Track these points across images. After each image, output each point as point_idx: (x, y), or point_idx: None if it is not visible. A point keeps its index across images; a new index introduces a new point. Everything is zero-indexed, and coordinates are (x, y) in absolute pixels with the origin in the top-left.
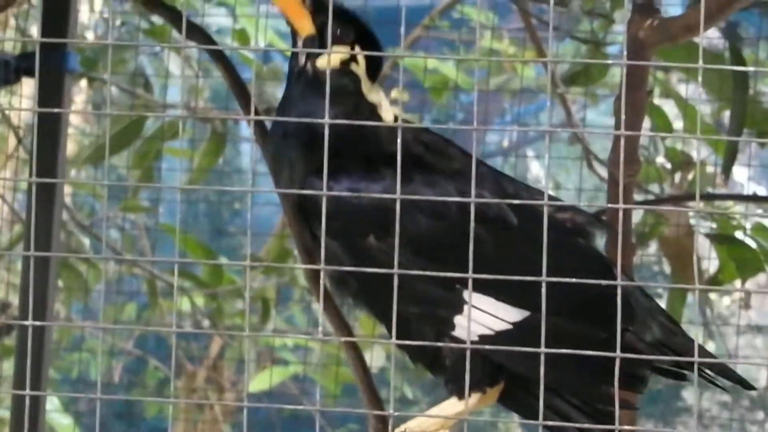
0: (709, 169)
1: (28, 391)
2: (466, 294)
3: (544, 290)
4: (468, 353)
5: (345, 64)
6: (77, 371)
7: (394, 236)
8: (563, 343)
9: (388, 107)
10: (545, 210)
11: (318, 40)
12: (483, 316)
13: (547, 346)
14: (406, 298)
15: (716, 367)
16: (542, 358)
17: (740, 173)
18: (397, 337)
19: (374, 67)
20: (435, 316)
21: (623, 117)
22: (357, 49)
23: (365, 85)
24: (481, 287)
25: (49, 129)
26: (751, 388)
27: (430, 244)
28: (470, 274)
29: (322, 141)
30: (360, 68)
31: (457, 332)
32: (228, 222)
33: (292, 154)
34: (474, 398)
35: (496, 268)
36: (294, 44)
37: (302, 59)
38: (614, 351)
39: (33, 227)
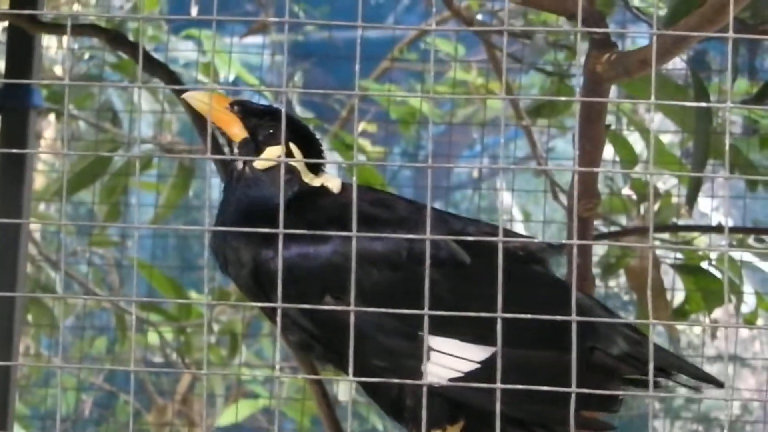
0: (674, 199)
1: None
2: (430, 341)
3: (499, 326)
4: (425, 389)
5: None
6: (46, 406)
7: (350, 293)
8: (531, 373)
9: (334, 180)
10: (500, 246)
11: (252, 143)
12: (449, 360)
13: (515, 378)
14: (370, 353)
15: (685, 368)
16: (498, 393)
17: (705, 204)
18: (367, 390)
19: (315, 155)
20: (402, 367)
21: (576, 152)
22: (292, 146)
23: (305, 175)
24: (443, 330)
25: (14, 165)
26: (720, 385)
27: (386, 295)
28: (426, 311)
29: (265, 225)
30: (297, 161)
31: (429, 380)
32: (198, 255)
33: (236, 244)
34: None
35: (454, 309)
36: (231, 151)
37: (239, 163)
38: (581, 372)
39: None
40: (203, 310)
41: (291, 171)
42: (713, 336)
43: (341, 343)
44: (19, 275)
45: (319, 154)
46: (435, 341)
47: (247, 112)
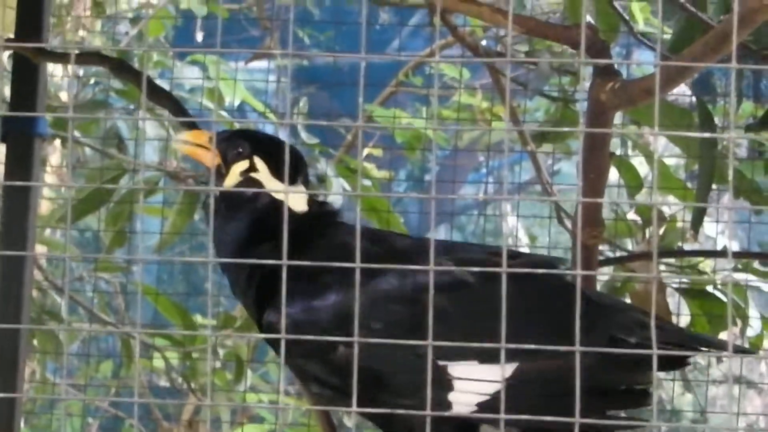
0: (680, 224)
1: None
2: (450, 369)
3: (503, 356)
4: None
5: (246, 174)
6: (52, 430)
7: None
8: (560, 379)
9: (300, 197)
10: (503, 274)
11: (223, 166)
12: (473, 385)
13: (541, 389)
14: (393, 393)
15: (707, 342)
16: (503, 416)
17: (711, 228)
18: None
19: (282, 165)
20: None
21: (579, 183)
22: (256, 159)
23: (270, 185)
24: (461, 356)
25: (19, 193)
26: (748, 351)
27: (398, 332)
28: (429, 342)
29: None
30: (262, 173)
31: (455, 410)
32: (204, 279)
33: (239, 277)
34: None
35: (468, 332)
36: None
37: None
38: (605, 365)
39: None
40: (209, 335)
41: (256, 184)
42: (719, 360)
43: (364, 389)
44: (24, 302)
45: (288, 163)
46: (455, 369)
47: (219, 139)
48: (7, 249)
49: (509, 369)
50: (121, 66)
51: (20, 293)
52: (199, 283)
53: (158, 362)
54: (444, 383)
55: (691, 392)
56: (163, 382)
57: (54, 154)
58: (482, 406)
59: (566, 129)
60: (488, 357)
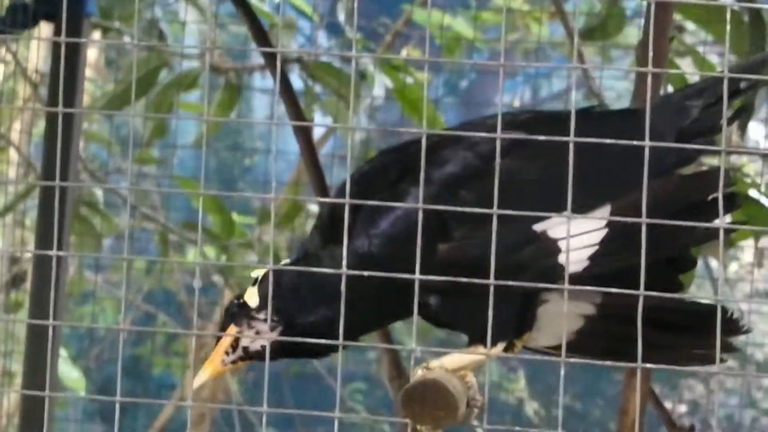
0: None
1: (51, 321)
2: (550, 232)
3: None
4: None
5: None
6: (87, 324)
7: (459, 229)
8: (652, 206)
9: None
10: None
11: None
12: (580, 240)
13: (638, 227)
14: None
15: None
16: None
17: (757, 130)
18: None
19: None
20: (539, 269)
21: (650, 54)
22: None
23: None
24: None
25: (66, 75)
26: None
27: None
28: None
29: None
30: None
31: (571, 269)
32: (239, 178)
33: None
34: (499, 348)
35: (550, 189)
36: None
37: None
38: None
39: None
40: (246, 231)
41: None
42: (760, 265)
43: (470, 286)
44: (69, 190)
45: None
46: (554, 231)
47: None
48: (53, 133)
49: (605, 212)
50: None
51: (66, 179)
52: (233, 182)
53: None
54: (550, 249)
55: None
56: (197, 281)
57: (92, 48)
58: (594, 258)
59: None
60: (579, 208)
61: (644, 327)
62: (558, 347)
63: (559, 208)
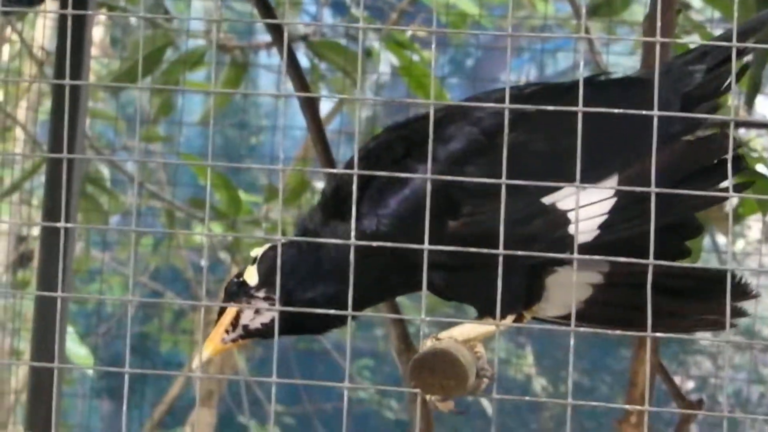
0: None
1: (60, 293)
2: (559, 204)
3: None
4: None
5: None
6: (94, 302)
7: (467, 206)
8: (661, 174)
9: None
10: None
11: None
12: (589, 210)
13: (647, 195)
14: (512, 259)
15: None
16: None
17: (764, 105)
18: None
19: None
20: (549, 241)
21: (658, 22)
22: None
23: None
24: (560, 186)
25: (72, 50)
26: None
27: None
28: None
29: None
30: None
31: (581, 239)
32: (245, 156)
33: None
34: (509, 320)
35: (556, 161)
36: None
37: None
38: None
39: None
40: (252, 208)
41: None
42: (767, 240)
43: (480, 260)
44: (76, 166)
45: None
46: (563, 203)
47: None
48: (59, 109)
49: (612, 182)
50: None
51: (72, 153)
52: (239, 160)
53: (200, 238)
54: (561, 221)
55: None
56: (204, 259)
57: (97, 27)
58: (603, 227)
59: None
60: (588, 179)
61: (653, 295)
62: (567, 317)
63: (568, 179)
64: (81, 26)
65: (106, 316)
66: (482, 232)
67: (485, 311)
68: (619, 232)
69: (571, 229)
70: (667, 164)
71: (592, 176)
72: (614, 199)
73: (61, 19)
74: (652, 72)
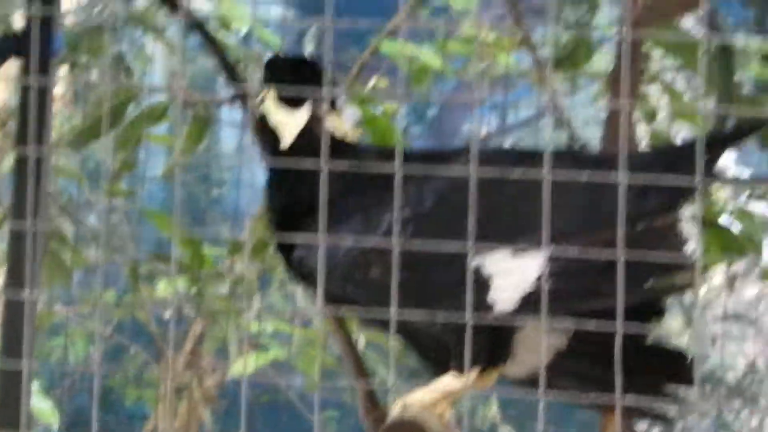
0: None
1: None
2: (483, 268)
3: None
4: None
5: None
6: (57, 357)
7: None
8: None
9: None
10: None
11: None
12: (511, 278)
13: (587, 264)
14: (430, 302)
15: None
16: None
17: (726, 156)
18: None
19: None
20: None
21: (622, 87)
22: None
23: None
24: (492, 249)
25: (35, 112)
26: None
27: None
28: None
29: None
30: (269, 103)
31: (499, 308)
32: (207, 209)
33: None
34: (472, 375)
35: (496, 224)
36: None
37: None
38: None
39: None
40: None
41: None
42: (731, 289)
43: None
44: (41, 222)
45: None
46: (489, 267)
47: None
48: (22, 171)
49: (545, 254)
50: None
51: (37, 211)
52: (201, 213)
53: (163, 292)
54: (481, 284)
55: (692, 327)
56: (168, 314)
57: (59, 81)
58: (524, 300)
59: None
60: (521, 245)
61: (608, 370)
62: (529, 378)
63: (497, 243)
64: (43, 89)
65: (70, 369)
66: (402, 282)
67: (443, 367)
68: (545, 306)
69: (491, 295)
70: (605, 246)
71: (521, 242)
72: (538, 272)
73: (24, 80)
74: (614, 152)
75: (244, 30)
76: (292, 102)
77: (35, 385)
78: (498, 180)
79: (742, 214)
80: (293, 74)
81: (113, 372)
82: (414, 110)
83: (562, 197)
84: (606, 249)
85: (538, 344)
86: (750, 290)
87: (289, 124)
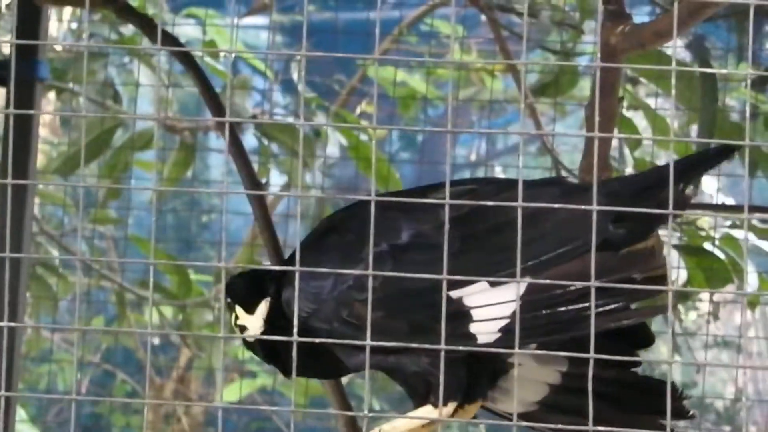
0: None
1: (3, 393)
2: (465, 300)
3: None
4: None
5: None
6: (45, 383)
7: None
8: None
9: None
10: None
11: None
12: (491, 310)
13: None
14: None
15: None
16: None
17: (709, 184)
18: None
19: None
20: (451, 336)
21: (596, 119)
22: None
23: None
24: (471, 283)
25: (19, 139)
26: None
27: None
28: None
29: None
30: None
31: (480, 340)
32: (196, 235)
33: None
34: (450, 407)
35: (474, 260)
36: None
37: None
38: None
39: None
40: (203, 289)
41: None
42: (716, 317)
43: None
44: (24, 249)
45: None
46: (470, 299)
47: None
48: (3, 203)
49: (522, 286)
50: (128, 9)
51: (20, 239)
52: (191, 240)
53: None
54: (462, 315)
55: (680, 354)
56: (156, 340)
57: (47, 107)
58: (504, 330)
59: (578, 64)
60: (497, 274)
61: (603, 404)
62: (523, 414)
63: (478, 276)
64: (27, 117)
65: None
66: (383, 315)
67: (419, 398)
68: (522, 338)
69: (473, 327)
70: (580, 274)
71: (501, 276)
72: (516, 304)
73: (6, 104)
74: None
75: (231, 56)
76: (252, 306)
77: (22, 414)
78: (476, 210)
79: (728, 241)
80: (247, 289)
81: (98, 399)
82: (402, 135)
83: (539, 227)
84: (580, 278)
85: (532, 381)
86: (737, 317)
87: (253, 324)
